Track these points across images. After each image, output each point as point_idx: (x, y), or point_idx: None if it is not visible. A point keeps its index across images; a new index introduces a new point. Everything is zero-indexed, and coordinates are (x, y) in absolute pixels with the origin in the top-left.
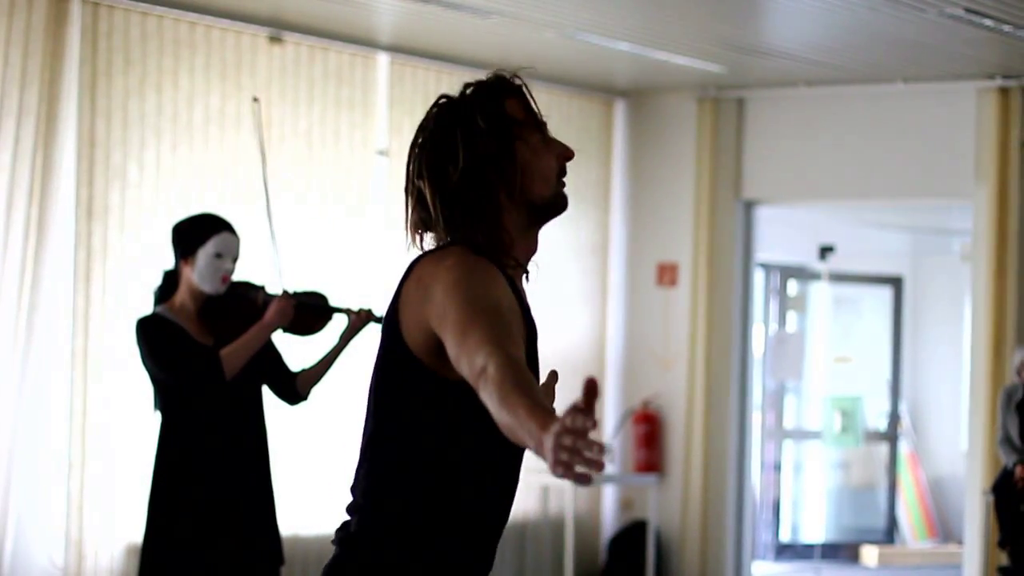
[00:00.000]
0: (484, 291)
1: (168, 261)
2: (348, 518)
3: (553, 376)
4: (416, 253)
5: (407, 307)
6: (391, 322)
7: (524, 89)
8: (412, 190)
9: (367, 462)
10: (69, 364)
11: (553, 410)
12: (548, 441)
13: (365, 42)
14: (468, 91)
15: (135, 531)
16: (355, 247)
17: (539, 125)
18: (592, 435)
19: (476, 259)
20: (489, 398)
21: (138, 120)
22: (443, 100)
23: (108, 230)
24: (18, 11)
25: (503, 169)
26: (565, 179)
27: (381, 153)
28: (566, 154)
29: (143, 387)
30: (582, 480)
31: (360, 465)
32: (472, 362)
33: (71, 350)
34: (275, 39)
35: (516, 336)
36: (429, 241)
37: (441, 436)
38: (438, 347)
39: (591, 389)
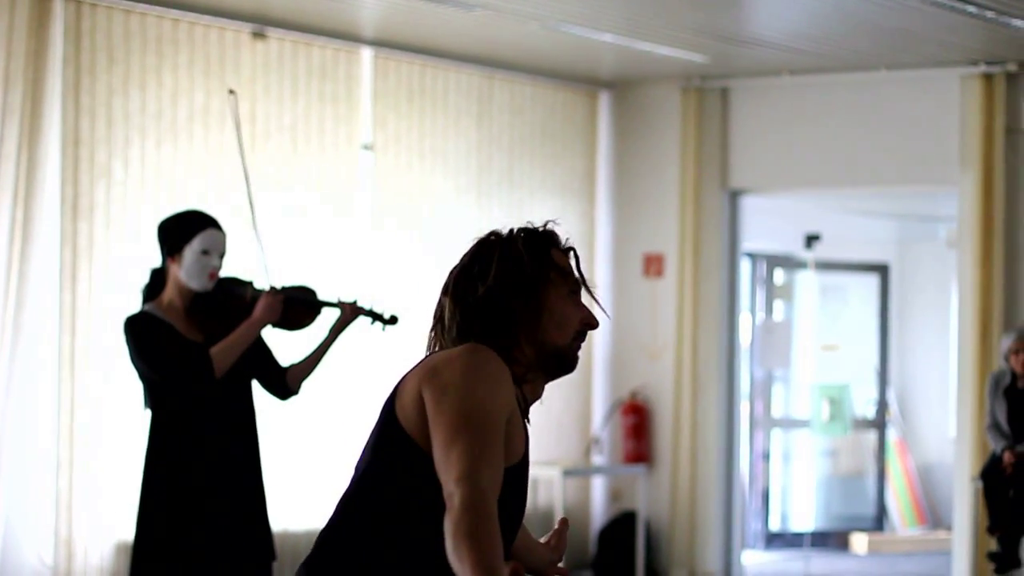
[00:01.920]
0: (484, 396)
1: (155, 259)
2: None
3: (564, 523)
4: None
5: (407, 387)
6: (389, 402)
7: (574, 253)
8: (438, 307)
9: (345, 526)
10: (56, 362)
11: (495, 570)
12: None
13: (348, 36)
14: (518, 231)
15: (124, 529)
16: (341, 241)
17: (575, 285)
18: None
19: (490, 355)
20: (446, 531)
21: (122, 118)
22: (492, 234)
23: (94, 228)
24: (1, 11)
25: (527, 302)
26: (581, 344)
27: (366, 147)
28: (590, 322)
29: (131, 384)
30: None
31: (337, 525)
32: (445, 480)
33: (58, 348)
34: (258, 35)
35: (496, 455)
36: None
37: (428, 514)
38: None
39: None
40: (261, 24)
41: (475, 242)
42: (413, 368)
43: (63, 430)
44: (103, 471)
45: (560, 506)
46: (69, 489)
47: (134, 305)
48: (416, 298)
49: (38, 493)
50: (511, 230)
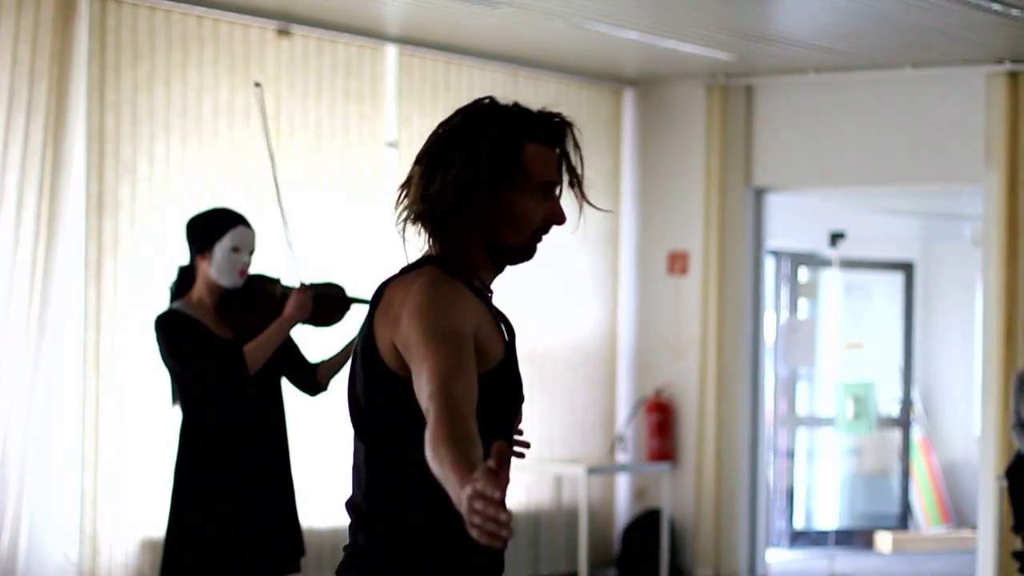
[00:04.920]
0: (446, 317)
1: (180, 255)
2: (354, 534)
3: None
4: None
5: (380, 331)
6: (369, 346)
7: (568, 140)
8: (410, 172)
9: (365, 480)
10: (81, 359)
11: (475, 464)
12: (464, 502)
13: (373, 34)
14: (511, 108)
15: (149, 525)
16: (365, 239)
17: (547, 182)
18: (501, 503)
19: (442, 281)
20: (425, 445)
21: (147, 115)
22: (486, 101)
23: (119, 225)
24: (26, 8)
25: (482, 201)
26: (543, 237)
27: (390, 145)
28: (555, 219)
29: (155, 381)
30: (495, 543)
31: (357, 483)
32: (420, 398)
33: (83, 345)
34: (283, 32)
35: (468, 366)
36: (412, 233)
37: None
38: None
39: (500, 455)
40: (286, 21)
41: (461, 114)
42: (375, 310)
43: (88, 427)
44: (128, 468)
45: (584, 504)
46: (94, 486)
47: (159, 302)
48: None
49: (63, 490)
50: (503, 106)
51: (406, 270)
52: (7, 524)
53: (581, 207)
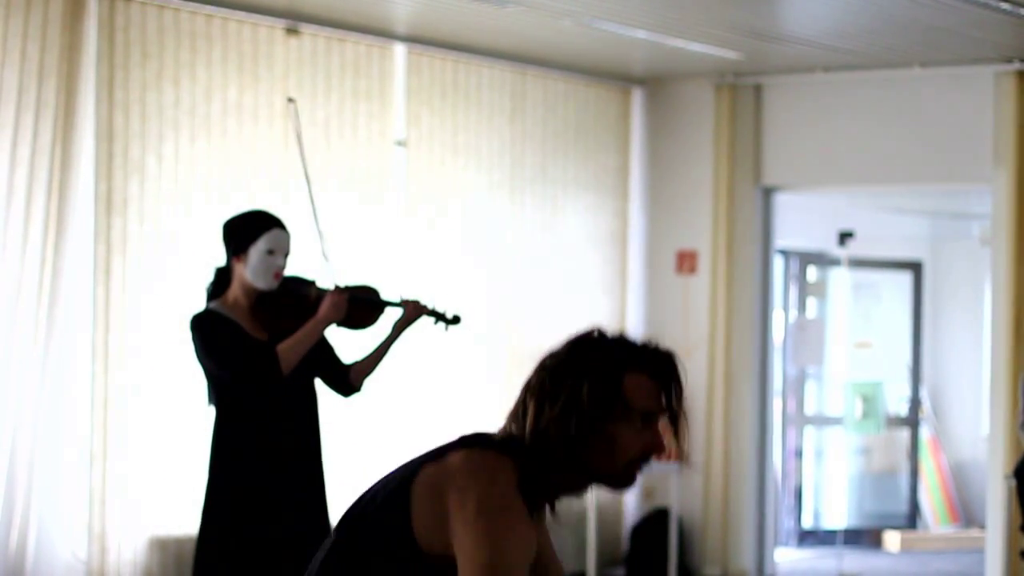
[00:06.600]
0: (504, 548)
1: (186, 253)
2: None
3: None
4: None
5: (423, 498)
6: (402, 501)
7: (673, 373)
8: (520, 400)
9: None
10: (90, 357)
11: None
12: None
13: (382, 33)
14: (612, 342)
15: (158, 524)
16: (373, 237)
17: (650, 412)
18: None
19: (502, 496)
20: None
21: (156, 113)
22: (594, 333)
23: (127, 223)
24: (35, 5)
25: (585, 434)
26: (641, 466)
27: (399, 143)
28: (655, 450)
29: (164, 379)
30: None
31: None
32: None
33: (92, 343)
34: (292, 31)
35: None
36: None
37: None
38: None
39: None
40: (294, 20)
41: (568, 345)
42: (428, 464)
43: (96, 425)
44: (136, 466)
45: (593, 503)
46: (103, 484)
47: (168, 300)
48: (449, 293)
49: (72, 488)
50: (592, 344)
51: (462, 448)
52: (16, 522)
53: (678, 439)
